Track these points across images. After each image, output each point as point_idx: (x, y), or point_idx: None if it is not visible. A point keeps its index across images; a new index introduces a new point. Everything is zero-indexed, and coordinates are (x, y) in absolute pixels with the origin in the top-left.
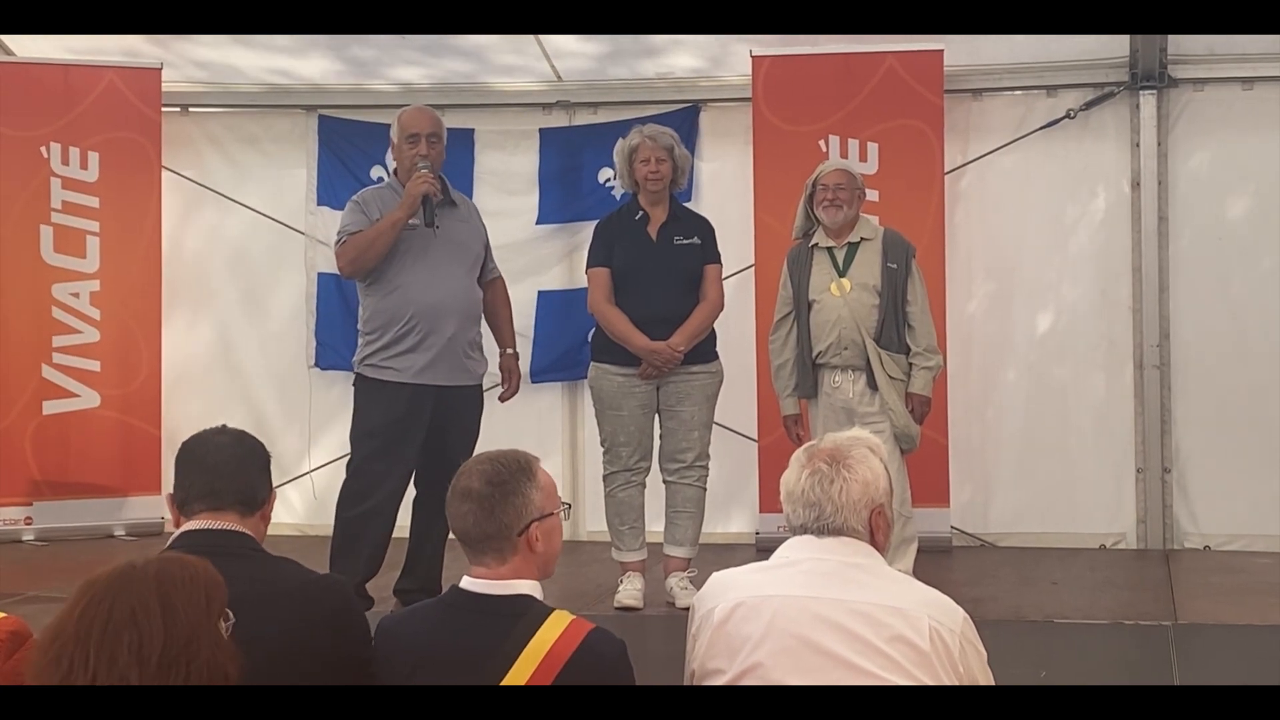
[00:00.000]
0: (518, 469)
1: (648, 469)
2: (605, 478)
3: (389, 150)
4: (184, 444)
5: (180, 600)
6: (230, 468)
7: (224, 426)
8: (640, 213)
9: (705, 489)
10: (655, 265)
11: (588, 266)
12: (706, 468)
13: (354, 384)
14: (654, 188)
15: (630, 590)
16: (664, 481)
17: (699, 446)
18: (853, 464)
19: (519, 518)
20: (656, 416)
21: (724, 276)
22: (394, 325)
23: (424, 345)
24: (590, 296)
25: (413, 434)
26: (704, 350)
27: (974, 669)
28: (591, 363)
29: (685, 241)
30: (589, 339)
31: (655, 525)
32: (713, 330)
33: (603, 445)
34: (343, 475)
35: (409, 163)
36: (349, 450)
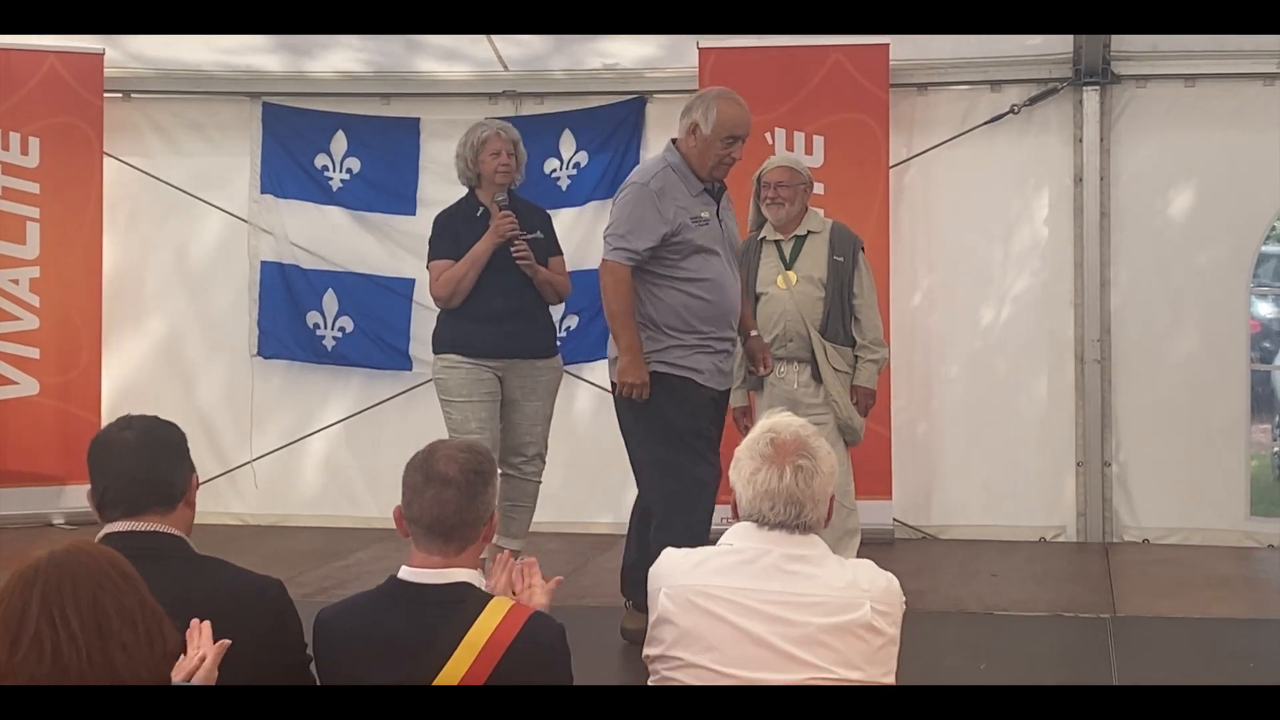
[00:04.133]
0: (487, 460)
1: (495, 461)
2: None
3: (332, 139)
4: (92, 443)
5: (134, 573)
6: (141, 472)
7: (129, 419)
8: (480, 209)
9: (540, 482)
10: (500, 262)
11: (431, 259)
12: (545, 461)
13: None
14: (502, 180)
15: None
16: (502, 474)
17: (541, 440)
18: (820, 456)
19: (487, 508)
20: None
21: None
22: (701, 328)
23: (710, 349)
24: (433, 288)
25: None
26: (546, 344)
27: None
28: (436, 356)
29: (528, 237)
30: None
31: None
32: (553, 324)
33: (452, 436)
34: (284, 465)
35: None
36: (294, 437)
